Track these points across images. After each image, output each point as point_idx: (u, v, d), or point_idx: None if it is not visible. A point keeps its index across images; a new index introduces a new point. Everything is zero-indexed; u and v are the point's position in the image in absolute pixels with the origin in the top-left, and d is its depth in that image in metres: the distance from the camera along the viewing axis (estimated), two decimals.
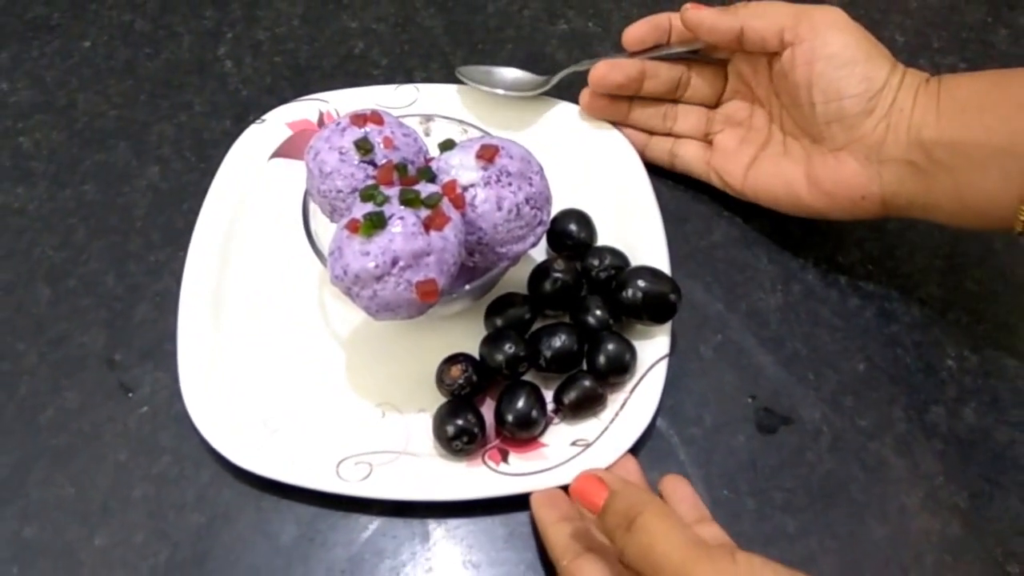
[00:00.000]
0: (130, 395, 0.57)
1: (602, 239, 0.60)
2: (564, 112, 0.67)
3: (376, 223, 0.48)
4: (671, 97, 0.66)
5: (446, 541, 0.52)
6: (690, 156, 0.65)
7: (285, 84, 0.72)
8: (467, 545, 0.52)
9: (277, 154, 0.65)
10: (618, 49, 0.65)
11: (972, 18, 0.77)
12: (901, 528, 0.53)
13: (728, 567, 0.40)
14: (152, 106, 0.71)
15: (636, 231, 0.61)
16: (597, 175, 0.64)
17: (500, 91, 0.66)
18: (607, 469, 0.51)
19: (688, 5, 0.61)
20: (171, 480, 0.54)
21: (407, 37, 0.75)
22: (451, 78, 0.70)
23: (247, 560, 0.52)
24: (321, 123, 0.66)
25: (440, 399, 0.55)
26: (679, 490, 0.52)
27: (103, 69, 0.73)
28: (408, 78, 0.72)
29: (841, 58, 0.56)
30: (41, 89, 0.71)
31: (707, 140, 0.65)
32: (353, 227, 0.48)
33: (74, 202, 0.66)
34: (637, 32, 0.63)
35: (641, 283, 0.55)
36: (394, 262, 0.48)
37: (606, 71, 0.63)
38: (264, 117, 0.67)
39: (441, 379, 0.54)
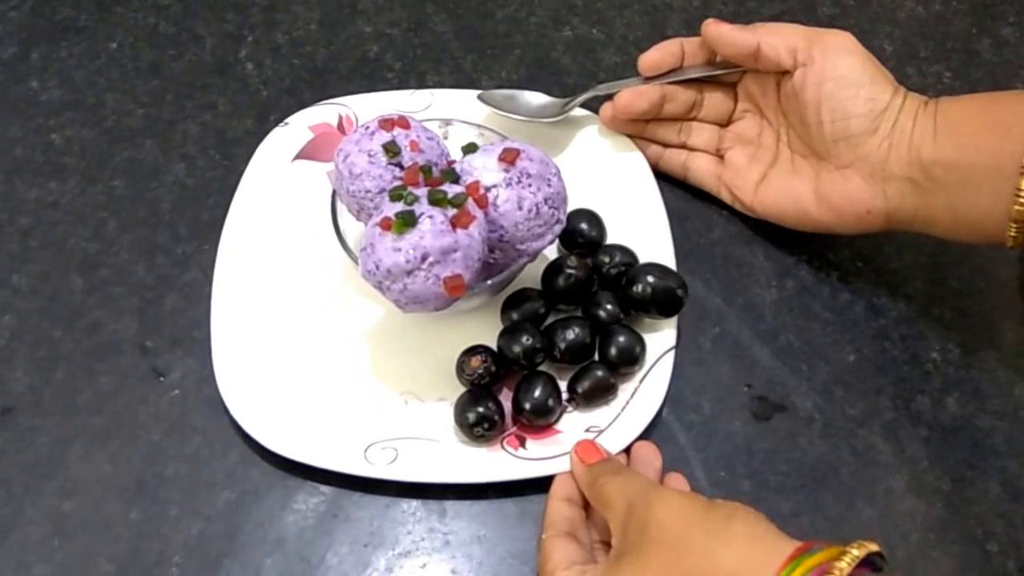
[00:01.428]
0: (161, 379, 0.59)
1: (611, 238, 0.62)
2: (575, 120, 0.68)
3: (407, 221, 0.50)
4: (686, 117, 0.67)
5: (461, 518, 0.55)
6: (703, 170, 0.66)
7: (304, 86, 0.73)
8: (480, 522, 0.55)
9: (300, 156, 0.67)
10: (620, 53, 0.66)
11: (957, 28, 0.78)
12: (888, 509, 0.55)
13: (689, 494, 0.47)
14: (177, 106, 0.72)
15: (643, 230, 0.63)
16: (606, 177, 0.65)
17: (518, 117, 0.67)
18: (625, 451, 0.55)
19: (709, 20, 0.62)
20: (202, 459, 0.57)
21: (419, 41, 0.76)
22: (462, 82, 0.72)
23: (275, 534, 0.54)
24: (341, 127, 0.68)
25: (460, 388, 0.57)
26: (678, 486, 0.54)
27: (129, 69, 0.74)
28: (421, 81, 0.73)
29: (848, 80, 0.57)
30: (71, 88, 0.73)
31: (719, 155, 0.66)
32: (385, 225, 0.50)
33: (104, 196, 0.67)
34: (653, 58, 0.64)
35: (650, 279, 0.57)
36: (424, 258, 0.49)
37: (630, 99, 0.64)
38: (287, 120, 0.68)
39: (461, 369, 0.56)
